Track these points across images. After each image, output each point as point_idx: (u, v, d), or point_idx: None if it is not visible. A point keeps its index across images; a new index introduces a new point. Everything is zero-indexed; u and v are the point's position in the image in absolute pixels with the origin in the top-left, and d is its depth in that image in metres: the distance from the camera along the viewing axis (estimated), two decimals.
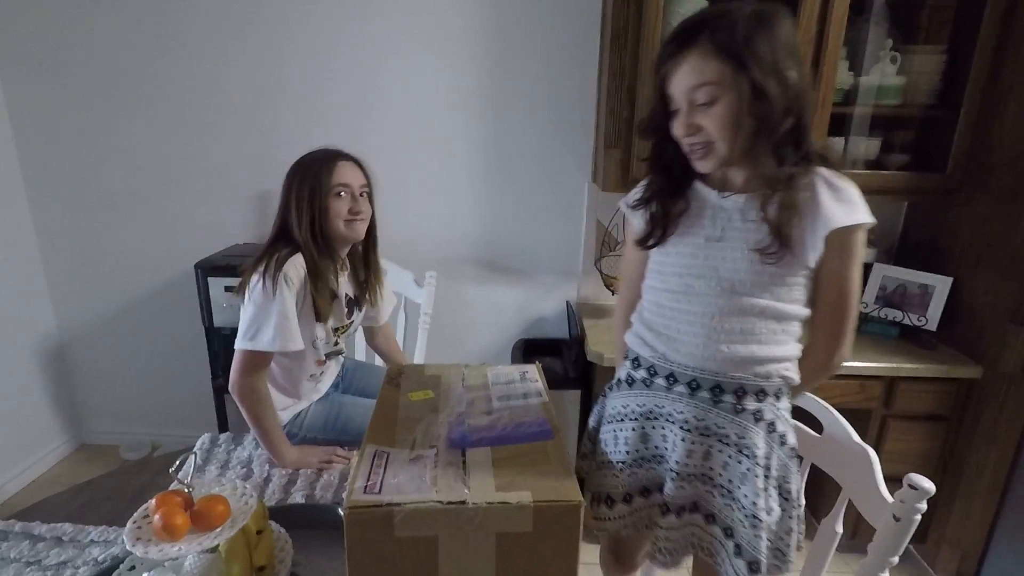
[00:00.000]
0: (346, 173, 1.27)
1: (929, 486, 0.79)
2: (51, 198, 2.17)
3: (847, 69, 1.73)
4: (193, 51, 2.01)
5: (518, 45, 1.99)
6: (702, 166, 0.89)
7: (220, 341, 1.94)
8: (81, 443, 2.48)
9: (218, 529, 0.75)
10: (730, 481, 0.91)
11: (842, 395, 1.68)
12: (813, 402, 1.04)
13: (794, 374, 0.92)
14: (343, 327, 1.42)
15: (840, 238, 0.84)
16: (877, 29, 1.76)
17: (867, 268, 1.95)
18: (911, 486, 0.80)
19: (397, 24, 1.98)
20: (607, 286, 1.99)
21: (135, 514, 0.77)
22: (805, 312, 0.91)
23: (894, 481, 0.83)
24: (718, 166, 0.88)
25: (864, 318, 1.91)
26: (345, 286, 1.40)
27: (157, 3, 1.97)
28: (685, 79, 0.83)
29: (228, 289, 1.85)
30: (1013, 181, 1.61)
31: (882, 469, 0.89)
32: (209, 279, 1.86)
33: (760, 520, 0.88)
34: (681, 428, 0.92)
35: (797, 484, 0.95)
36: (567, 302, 2.21)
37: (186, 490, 0.78)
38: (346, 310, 1.40)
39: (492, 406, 0.92)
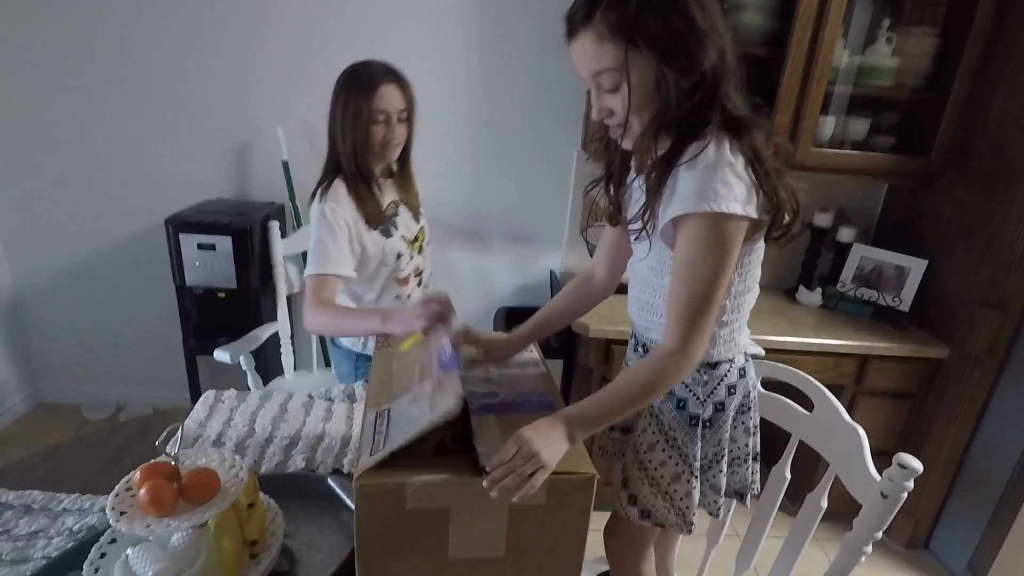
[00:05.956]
0: (387, 97, 1.29)
1: (917, 465, 0.82)
2: (9, 144, 2.01)
3: (843, 47, 1.72)
4: None
5: (510, 11, 1.91)
6: (625, 144, 0.84)
7: (192, 300, 1.86)
8: (40, 402, 2.38)
9: (208, 503, 0.72)
10: (635, 421, 1.01)
11: (817, 371, 1.69)
12: (806, 381, 1.06)
13: None
14: (418, 236, 1.44)
15: (683, 223, 0.77)
16: (876, 9, 1.75)
17: (845, 248, 1.98)
18: (900, 465, 0.82)
19: None
20: (592, 256, 1.98)
21: (117, 486, 0.73)
22: None
23: None
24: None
25: (840, 297, 1.95)
26: (391, 193, 1.42)
27: None
28: (586, 63, 0.77)
29: (201, 247, 1.76)
30: (994, 168, 1.64)
31: None
32: (181, 235, 1.77)
33: (645, 467, 0.97)
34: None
35: (693, 451, 0.94)
36: (551, 271, 2.19)
37: (172, 463, 0.74)
38: (411, 213, 1.44)
39: (490, 373, 0.91)
